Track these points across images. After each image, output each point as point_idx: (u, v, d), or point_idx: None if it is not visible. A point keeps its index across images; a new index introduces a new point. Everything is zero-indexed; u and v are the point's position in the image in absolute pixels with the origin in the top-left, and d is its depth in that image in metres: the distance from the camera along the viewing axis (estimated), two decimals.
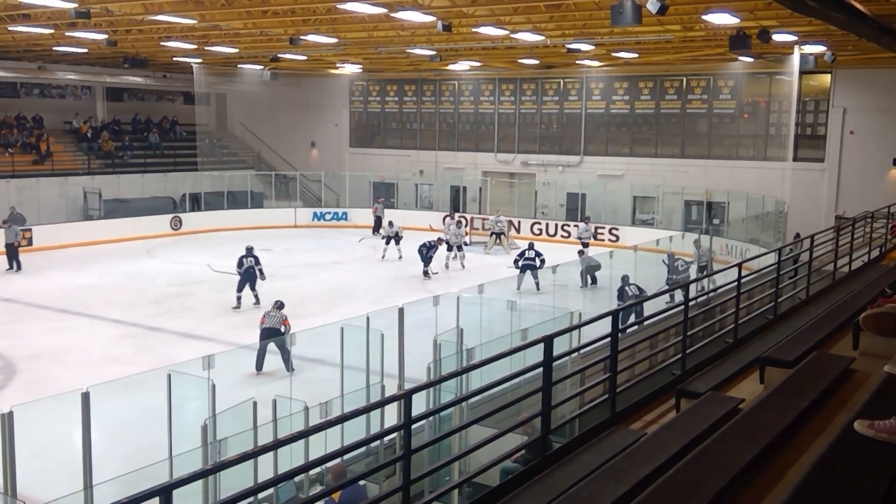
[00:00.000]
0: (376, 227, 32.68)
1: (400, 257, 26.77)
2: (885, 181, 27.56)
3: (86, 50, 28.32)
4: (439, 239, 25.45)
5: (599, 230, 30.78)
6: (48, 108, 36.57)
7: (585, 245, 27.04)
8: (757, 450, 4.80)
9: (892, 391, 4.22)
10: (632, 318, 14.62)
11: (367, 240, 30.37)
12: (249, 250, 20.54)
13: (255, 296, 20.06)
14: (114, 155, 35.86)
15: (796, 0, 11.86)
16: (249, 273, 20.10)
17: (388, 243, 27.13)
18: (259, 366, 14.97)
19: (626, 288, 18.14)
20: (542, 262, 22.29)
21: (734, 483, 4.49)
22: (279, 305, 15.91)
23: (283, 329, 15.49)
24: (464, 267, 25.30)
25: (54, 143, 34.49)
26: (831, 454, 3.91)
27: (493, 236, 29.61)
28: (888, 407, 3.99)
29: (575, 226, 30.67)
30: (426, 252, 24.29)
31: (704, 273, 19.94)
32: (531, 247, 23.30)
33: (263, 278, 20.37)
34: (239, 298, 20.02)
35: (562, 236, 31.71)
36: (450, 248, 25.77)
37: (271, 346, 14.93)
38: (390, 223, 27.58)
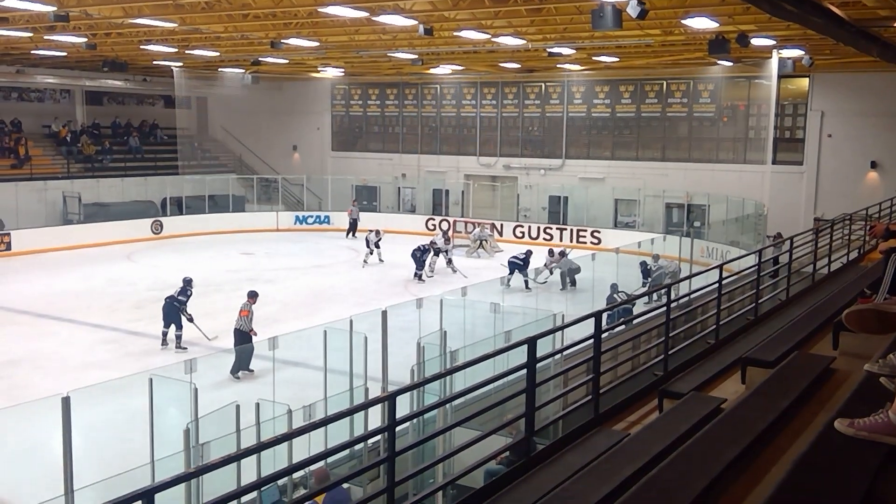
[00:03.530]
0: (351, 229, 32.75)
1: (381, 261, 26.78)
2: (863, 183, 27.83)
3: (65, 53, 28.08)
4: (432, 242, 25.69)
5: (581, 233, 30.92)
6: (27, 111, 36.17)
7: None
8: (739, 449, 4.82)
9: (872, 390, 4.26)
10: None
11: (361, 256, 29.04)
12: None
13: None
14: (93, 159, 35.56)
15: (774, 4, 11.97)
16: None
17: (368, 247, 27.00)
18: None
19: (616, 296, 18.33)
20: (526, 262, 22.93)
21: (717, 482, 4.51)
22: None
23: (241, 324, 15.47)
24: (455, 271, 25.26)
25: (33, 147, 34.16)
26: (812, 453, 3.94)
27: (477, 241, 29.65)
28: (868, 405, 4.02)
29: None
30: (419, 256, 24.51)
31: (682, 278, 20.11)
32: (528, 252, 23.73)
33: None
34: None
35: (544, 239, 31.80)
36: (437, 253, 25.84)
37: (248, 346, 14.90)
38: (377, 232, 27.39)
